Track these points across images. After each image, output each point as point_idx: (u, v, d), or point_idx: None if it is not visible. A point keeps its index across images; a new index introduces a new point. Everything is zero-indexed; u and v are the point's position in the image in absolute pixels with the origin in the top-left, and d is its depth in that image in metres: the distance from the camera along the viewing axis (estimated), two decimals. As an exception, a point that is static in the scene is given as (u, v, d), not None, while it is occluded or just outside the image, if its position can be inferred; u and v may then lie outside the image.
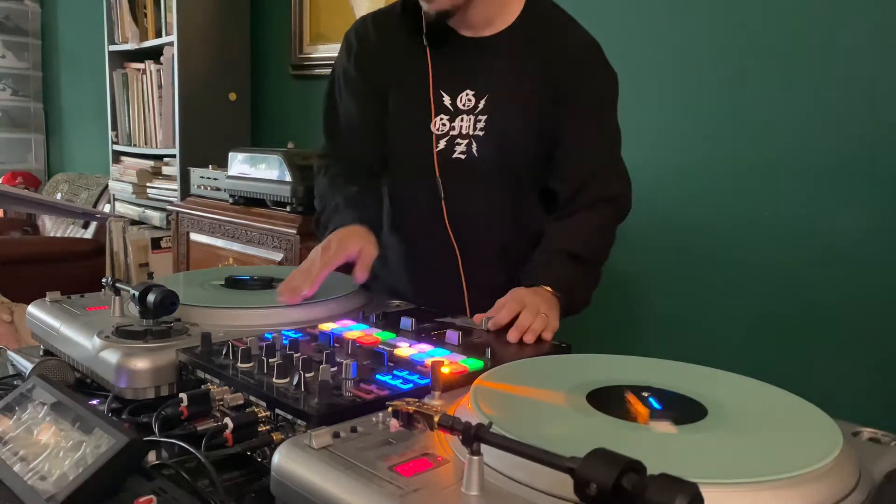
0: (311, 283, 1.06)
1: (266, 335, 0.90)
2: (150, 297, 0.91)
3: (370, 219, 1.24)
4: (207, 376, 0.81)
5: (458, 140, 1.26)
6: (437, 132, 1.26)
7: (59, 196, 4.02)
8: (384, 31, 1.31)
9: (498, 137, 1.24)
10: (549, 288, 1.14)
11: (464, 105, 1.26)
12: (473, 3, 1.21)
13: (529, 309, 1.03)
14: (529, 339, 0.98)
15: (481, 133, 1.25)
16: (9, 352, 1.01)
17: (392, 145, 1.32)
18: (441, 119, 1.26)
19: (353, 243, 1.15)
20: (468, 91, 1.25)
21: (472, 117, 1.25)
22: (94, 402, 0.87)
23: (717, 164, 1.84)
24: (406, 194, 1.33)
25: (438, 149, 1.26)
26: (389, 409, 0.61)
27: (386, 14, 1.34)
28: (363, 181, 1.32)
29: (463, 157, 1.26)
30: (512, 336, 0.98)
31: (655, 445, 0.59)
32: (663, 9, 1.90)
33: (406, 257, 1.35)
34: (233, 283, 1.15)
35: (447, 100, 1.26)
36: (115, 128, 3.50)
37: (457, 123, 1.26)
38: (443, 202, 1.26)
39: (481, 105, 1.25)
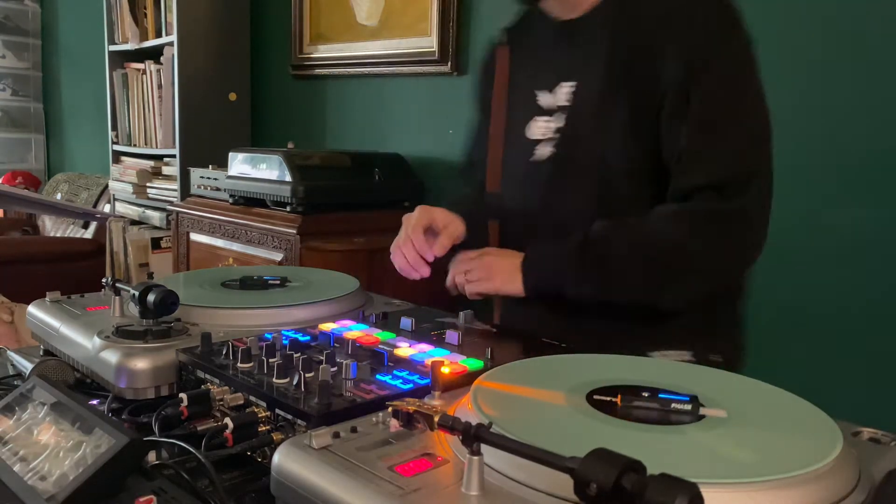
0: (417, 260, 1.08)
1: (266, 335, 0.90)
2: (150, 297, 0.91)
3: (465, 211, 1.16)
4: (207, 376, 0.81)
5: (557, 144, 1.10)
6: (534, 138, 1.12)
7: (59, 196, 4.02)
8: (511, 39, 1.21)
9: (586, 134, 1.06)
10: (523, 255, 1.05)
11: (564, 100, 1.09)
12: None
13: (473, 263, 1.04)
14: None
15: (569, 131, 1.08)
16: (9, 352, 1.01)
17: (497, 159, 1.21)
18: (538, 122, 1.11)
19: (438, 212, 1.12)
20: (563, 83, 1.09)
21: (564, 115, 1.09)
22: (94, 402, 0.87)
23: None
24: (507, 209, 1.21)
25: (534, 157, 1.11)
26: (389, 409, 0.61)
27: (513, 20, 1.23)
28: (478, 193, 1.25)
29: (562, 161, 1.09)
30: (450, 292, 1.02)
31: (655, 445, 0.59)
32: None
33: None
34: (250, 283, 1.14)
35: (544, 98, 1.11)
36: (115, 128, 3.50)
37: (556, 125, 1.10)
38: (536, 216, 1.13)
39: (573, 98, 1.08)
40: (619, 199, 1.04)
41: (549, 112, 1.10)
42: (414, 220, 1.11)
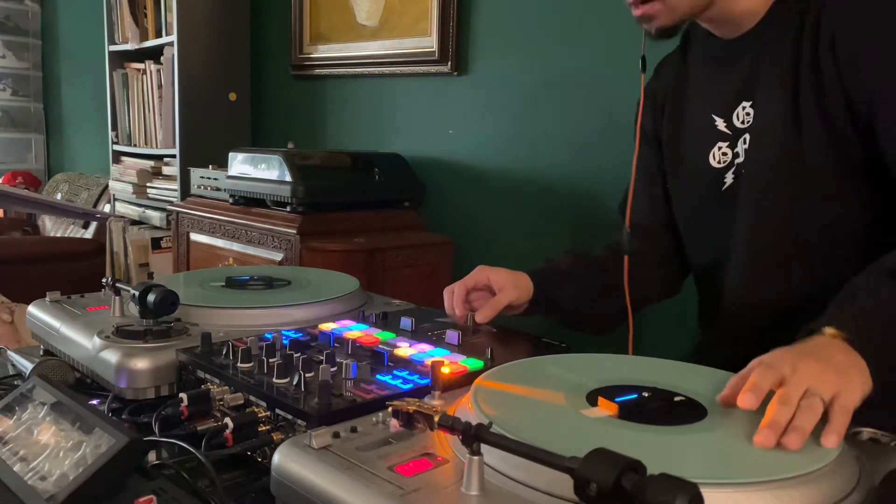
0: (457, 304, 1.02)
1: (266, 335, 0.90)
2: (150, 297, 0.91)
3: (545, 273, 1.09)
4: (207, 376, 0.81)
5: (742, 169, 1.00)
6: (718, 165, 1.03)
7: (59, 196, 4.02)
8: (672, 70, 1.13)
9: (767, 157, 0.96)
10: (838, 332, 0.72)
11: (742, 123, 1.00)
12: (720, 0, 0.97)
13: (790, 384, 0.65)
14: (793, 443, 0.59)
15: (742, 158, 1.00)
16: (9, 352, 1.01)
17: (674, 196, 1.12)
18: (720, 148, 1.03)
19: (496, 273, 1.05)
20: (744, 104, 1.00)
21: (749, 136, 0.99)
22: (94, 402, 0.87)
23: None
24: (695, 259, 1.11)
25: (725, 186, 1.02)
26: (389, 409, 0.61)
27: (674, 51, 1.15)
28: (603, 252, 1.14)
29: (745, 187, 1.00)
30: (762, 439, 0.59)
31: (655, 445, 0.59)
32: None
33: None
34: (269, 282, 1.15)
35: (721, 122, 1.02)
36: (115, 128, 3.50)
37: (740, 148, 1.00)
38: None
39: (755, 119, 0.99)
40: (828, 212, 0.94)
41: (727, 137, 1.02)
42: (469, 276, 1.05)
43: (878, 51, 0.87)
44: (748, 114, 0.99)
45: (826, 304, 0.81)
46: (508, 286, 1.04)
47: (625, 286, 1.05)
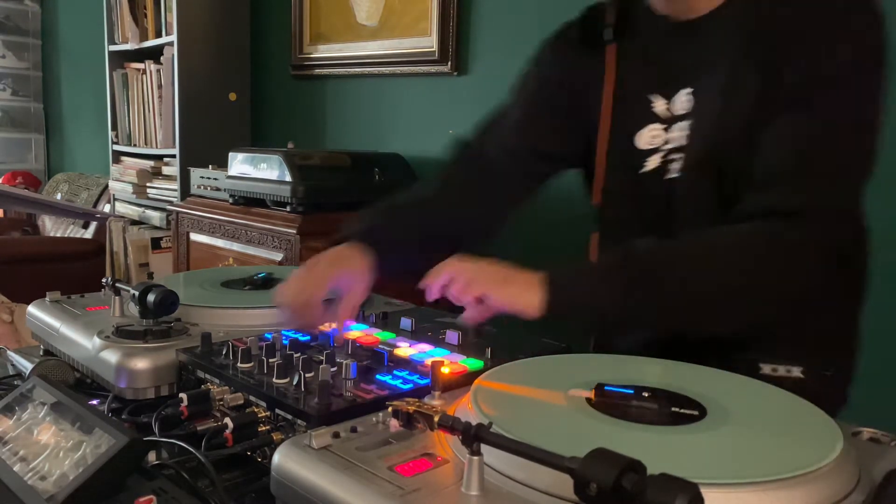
0: (313, 319, 0.92)
1: (266, 335, 0.90)
2: (150, 297, 0.91)
3: (389, 240, 1.02)
4: (207, 376, 0.81)
5: (674, 155, 0.99)
6: (645, 147, 1.01)
7: (59, 196, 4.02)
8: (585, 34, 1.09)
9: (706, 147, 0.96)
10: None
11: (681, 109, 0.99)
12: None
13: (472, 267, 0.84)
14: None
15: (684, 142, 0.98)
16: (9, 352, 1.01)
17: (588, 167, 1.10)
18: (652, 130, 1.01)
19: (331, 276, 0.94)
20: (686, 90, 0.98)
21: (687, 123, 0.98)
22: (94, 402, 0.87)
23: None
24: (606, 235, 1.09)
25: (646, 168, 1.01)
26: (389, 409, 0.61)
27: (590, 15, 1.10)
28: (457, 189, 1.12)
29: (678, 175, 0.98)
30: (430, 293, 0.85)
31: (655, 445, 0.59)
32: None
33: None
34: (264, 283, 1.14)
35: (660, 104, 1.00)
36: (115, 128, 3.50)
37: (674, 134, 0.99)
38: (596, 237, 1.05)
39: (692, 107, 0.98)
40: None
41: (665, 120, 1.00)
42: (317, 279, 0.93)
43: (801, 59, 0.88)
44: (688, 100, 0.98)
45: None
46: (358, 282, 0.96)
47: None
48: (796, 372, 0.95)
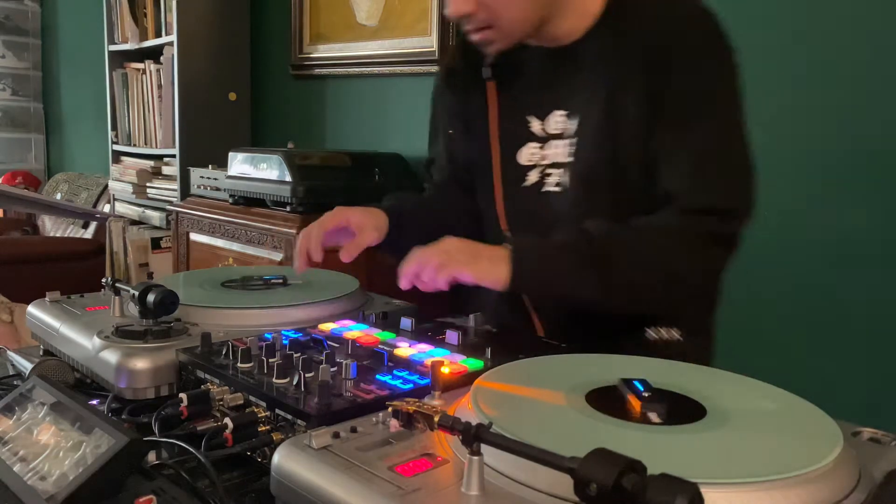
0: (314, 249, 1.06)
1: (266, 335, 0.90)
2: (150, 297, 0.91)
3: (397, 209, 1.15)
4: (207, 376, 0.81)
5: (550, 170, 1.10)
6: (525, 163, 1.12)
7: (59, 196, 4.02)
8: (468, 56, 1.18)
9: (591, 162, 1.05)
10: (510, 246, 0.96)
11: (555, 129, 1.09)
12: (551, 19, 1.05)
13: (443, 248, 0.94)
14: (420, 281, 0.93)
15: (571, 159, 1.07)
16: (9, 352, 1.01)
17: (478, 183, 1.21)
18: (531, 147, 1.11)
19: (354, 214, 1.09)
20: (559, 111, 1.09)
21: (565, 141, 1.08)
22: (94, 402, 0.87)
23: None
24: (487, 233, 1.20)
25: (527, 183, 1.11)
26: (389, 409, 0.61)
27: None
28: (441, 195, 1.27)
29: (558, 189, 1.09)
30: (403, 282, 0.94)
31: (655, 445, 0.59)
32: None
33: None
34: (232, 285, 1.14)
35: (536, 125, 1.11)
36: (115, 128, 3.50)
37: (549, 151, 1.10)
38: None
39: (573, 126, 1.07)
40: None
41: (540, 139, 1.11)
42: (325, 217, 1.09)
43: (678, 79, 0.99)
44: (561, 121, 1.09)
45: None
46: (368, 227, 1.10)
47: None
48: (676, 334, 1.07)
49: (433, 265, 0.92)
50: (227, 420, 0.72)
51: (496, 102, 1.15)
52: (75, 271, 3.12)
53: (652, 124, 1.00)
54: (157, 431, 0.76)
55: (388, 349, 0.86)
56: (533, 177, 1.11)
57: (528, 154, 1.12)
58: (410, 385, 0.76)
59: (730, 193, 1.00)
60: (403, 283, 0.95)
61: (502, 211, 1.15)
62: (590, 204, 1.05)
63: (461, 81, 1.22)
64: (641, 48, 1.00)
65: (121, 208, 3.41)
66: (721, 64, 1.01)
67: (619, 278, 0.96)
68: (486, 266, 0.94)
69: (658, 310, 1.05)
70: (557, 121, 1.09)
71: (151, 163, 3.24)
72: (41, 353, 1.03)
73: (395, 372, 0.79)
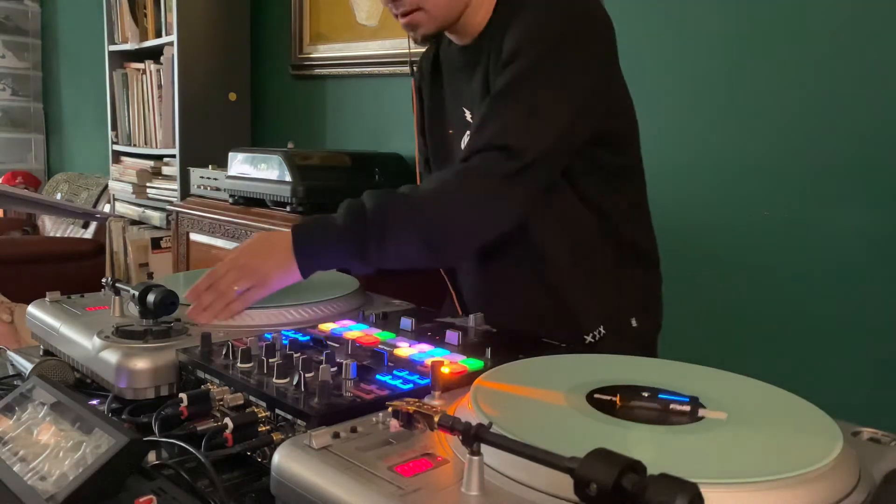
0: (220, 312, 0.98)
1: (266, 335, 0.90)
2: (150, 297, 0.91)
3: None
4: (207, 376, 0.81)
5: None
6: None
7: (59, 196, 4.02)
8: (425, 61, 1.32)
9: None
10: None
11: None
12: (470, 6, 1.13)
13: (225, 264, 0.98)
14: (204, 317, 0.95)
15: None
16: (9, 352, 1.01)
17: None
18: (469, 135, 1.18)
19: (256, 271, 1.00)
20: (463, 108, 1.21)
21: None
22: (94, 402, 0.87)
23: (714, 164, 1.84)
24: None
25: None
26: (389, 409, 0.61)
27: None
28: None
29: None
30: (193, 315, 0.95)
31: (655, 445, 0.59)
32: (662, 4, 1.90)
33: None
34: None
35: (468, 115, 1.21)
36: (115, 128, 3.50)
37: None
38: None
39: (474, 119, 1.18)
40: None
41: (472, 127, 1.15)
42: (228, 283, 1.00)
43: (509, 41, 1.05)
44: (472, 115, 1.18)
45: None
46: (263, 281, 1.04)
47: None
48: (603, 332, 1.13)
49: (223, 281, 0.97)
50: (227, 420, 0.72)
51: (439, 94, 1.26)
52: (75, 271, 3.12)
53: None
54: (157, 431, 0.76)
55: (388, 349, 0.86)
56: None
57: (466, 140, 1.18)
58: (410, 385, 0.76)
59: (516, 131, 1.02)
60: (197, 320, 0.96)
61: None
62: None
63: (423, 78, 1.31)
64: (502, 46, 1.07)
65: (121, 208, 3.41)
66: (548, 19, 1.04)
67: (404, 242, 1.01)
68: (278, 277, 0.99)
69: (456, 260, 1.20)
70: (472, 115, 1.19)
71: (151, 163, 3.24)
72: (41, 353, 1.03)
73: (395, 372, 0.79)
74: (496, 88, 1.05)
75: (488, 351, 0.86)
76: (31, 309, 1.06)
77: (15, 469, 0.66)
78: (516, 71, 1.03)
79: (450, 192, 1.03)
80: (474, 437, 0.52)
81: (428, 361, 0.81)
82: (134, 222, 3.22)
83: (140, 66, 3.29)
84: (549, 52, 1.03)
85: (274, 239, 1.03)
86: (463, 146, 1.18)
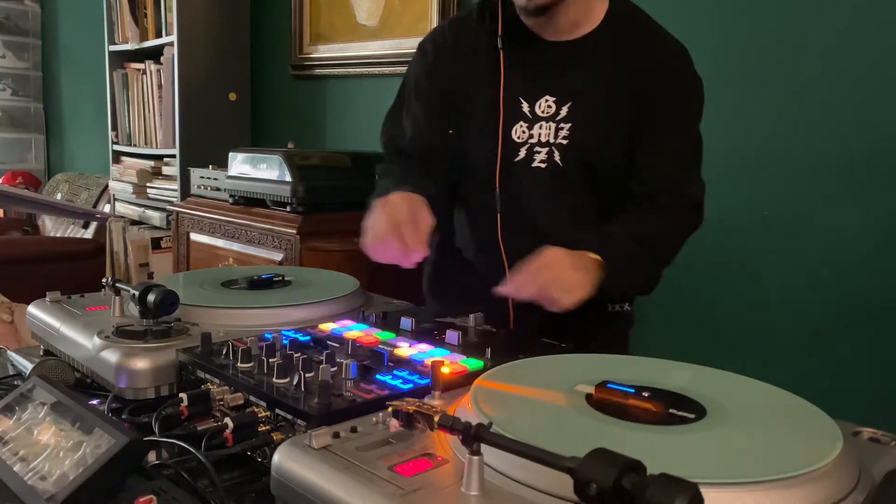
0: (419, 240, 1.04)
1: (266, 335, 0.90)
2: (150, 297, 0.91)
3: (426, 193, 1.15)
4: (207, 376, 0.81)
5: (538, 148, 1.21)
6: (517, 140, 1.22)
7: (59, 196, 4.02)
8: (461, 37, 1.28)
9: (584, 146, 1.20)
10: (590, 254, 1.09)
11: (542, 112, 1.21)
12: (565, 3, 1.17)
13: (552, 271, 1.03)
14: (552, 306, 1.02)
15: (565, 142, 1.20)
16: (9, 352, 1.01)
17: (465, 155, 1.28)
18: (521, 126, 1.22)
19: (416, 203, 1.09)
20: (547, 97, 1.20)
21: (554, 124, 1.20)
22: (94, 402, 0.87)
23: (715, 164, 1.84)
24: (471, 207, 1.30)
25: (518, 158, 1.22)
26: (389, 409, 0.61)
27: (463, 19, 1.31)
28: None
29: (543, 165, 1.21)
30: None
31: (655, 445, 0.59)
32: (662, 4, 1.90)
33: (465, 273, 1.32)
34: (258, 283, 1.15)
35: (525, 106, 1.22)
36: (115, 128, 3.50)
37: (535, 131, 1.21)
38: (498, 216, 1.22)
39: (563, 112, 1.20)
40: (605, 199, 1.23)
41: (527, 119, 1.21)
42: (402, 215, 1.06)
43: (669, 111, 1.20)
44: (550, 106, 1.21)
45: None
46: (424, 212, 1.10)
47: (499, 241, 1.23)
48: (627, 307, 1.33)
49: (553, 295, 1.03)
50: (227, 420, 0.72)
51: (502, 76, 1.23)
52: (75, 271, 3.12)
53: (634, 130, 1.19)
54: (157, 431, 0.76)
55: (388, 349, 0.86)
56: (522, 153, 1.22)
57: (518, 131, 1.22)
58: (410, 385, 0.76)
59: (699, 187, 1.24)
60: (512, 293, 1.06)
61: (498, 176, 1.23)
62: (569, 180, 1.21)
63: (460, 56, 1.28)
64: (633, 68, 1.18)
65: (121, 208, 3.41)
66: (690, 91, 1.23)
67: (656, 273, 1.21)
68: (583, 288, 1.05)
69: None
70: (548, 105, 1.21)
71: (151, 163, 3.24)
72: (41, 353, 1.03)
73: (395, 372, 0.79)
74: (678, 151, 1.22)
75: (488, 351, 0.86)
76: (32, 309, 1.06)
77: (15, 469, 0.66)
78: (692, 139, 1.23)
79: (680, 233, 1.24)
80: (474, 437, 0.52)
81: (428, 361, 0.81)
82: (134, 222, 3.22)
83: (140, 66, 3.29)
84: (696, 122, 1.24)
85: (572, 263, 1.09)
86: (514, 135, 1.21)
